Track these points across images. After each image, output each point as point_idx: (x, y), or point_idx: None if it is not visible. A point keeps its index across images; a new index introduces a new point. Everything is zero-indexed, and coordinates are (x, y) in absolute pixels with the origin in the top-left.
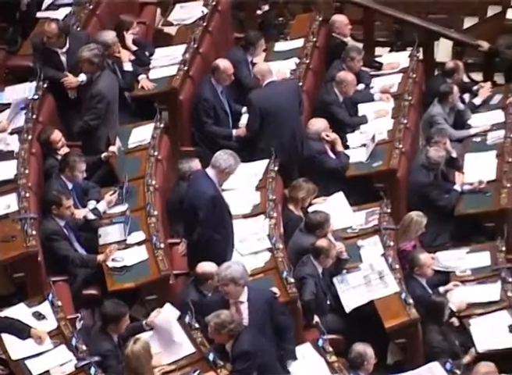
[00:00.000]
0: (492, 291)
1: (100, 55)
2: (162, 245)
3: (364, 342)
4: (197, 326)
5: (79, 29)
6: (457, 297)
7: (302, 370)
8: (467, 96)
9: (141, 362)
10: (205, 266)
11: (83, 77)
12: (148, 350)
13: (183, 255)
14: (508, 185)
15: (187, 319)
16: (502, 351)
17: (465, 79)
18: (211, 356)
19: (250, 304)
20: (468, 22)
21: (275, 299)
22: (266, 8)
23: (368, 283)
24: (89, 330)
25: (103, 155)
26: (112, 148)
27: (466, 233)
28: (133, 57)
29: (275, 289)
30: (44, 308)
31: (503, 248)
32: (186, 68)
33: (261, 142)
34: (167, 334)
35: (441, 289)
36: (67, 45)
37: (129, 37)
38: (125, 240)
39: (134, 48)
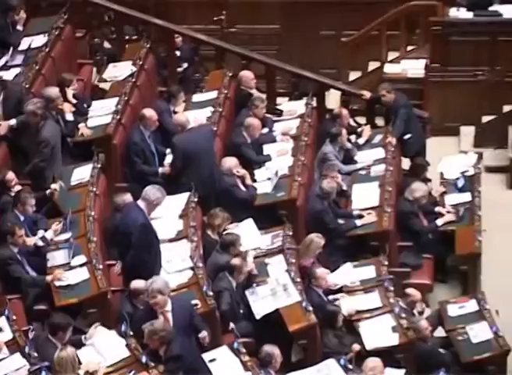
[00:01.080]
0: (376, 299)
1: (42, 108)
2: (101, 266)
3: (272, 344)
4: (131, 333)
5: (27, 86)
6: (348, 304)
7: (220, 369)
8: (353, 137)
9: (66, 368)
10: (137, 283)
11: (13, 122)
12: (74, 358)
13: (119, 274)
14: (389, 210)
15: (123, 328)
16: (386, 349)
17: (352, 122)
18: (143, 359)
19: (175, 312)
20: (353, 75)
21: (193, 307)
22: (185, 65)
23: (274, 294)
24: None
25: (47, 191)
26: (53, 186)
27: (355, 250)
28: (73, 109)
29: (196, 301)
30: (1, 321)
31: (386, 263)
32: (118, 117)
33: (183, 178)
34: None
35: (330, 297)
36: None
37: (70, 92)
38: (69, 263)
39: (74, 101)
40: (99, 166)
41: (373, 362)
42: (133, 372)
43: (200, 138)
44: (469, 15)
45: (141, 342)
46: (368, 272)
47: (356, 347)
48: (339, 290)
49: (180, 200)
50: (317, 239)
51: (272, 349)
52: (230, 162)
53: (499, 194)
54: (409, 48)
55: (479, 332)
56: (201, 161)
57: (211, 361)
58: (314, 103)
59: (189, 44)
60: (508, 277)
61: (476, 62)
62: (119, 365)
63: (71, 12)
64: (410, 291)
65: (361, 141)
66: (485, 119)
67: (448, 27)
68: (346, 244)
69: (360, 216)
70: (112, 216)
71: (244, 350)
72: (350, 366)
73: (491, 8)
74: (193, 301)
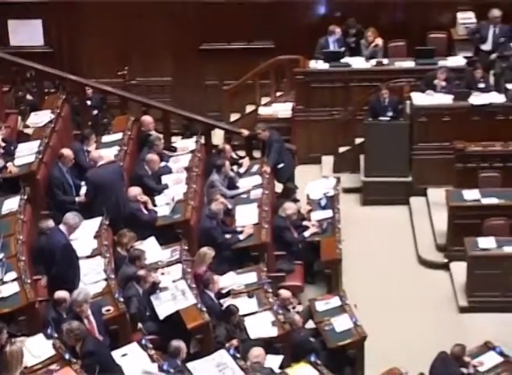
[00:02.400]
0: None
1: None
2: (29, 281)
3: (178, 339)
4: (56, 335)
5: None
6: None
7: (131, 362)
8: (235, 167)
9: (16, 359)
10: (60, 294)
11: None
12: (22, 353)
13: (44, 286)
14: (266, 226)
15: (49, 331)
16: (267, 339)
17: (234, 155)
18: (67, 356)
19: (94, 316)
20: (233, 117)
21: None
22: (95, 112)
23: (174, 298)
24: None
25: None
26: None
27: (239, 260)
28: (2, 150)
29: (109, 307)
30: None
31: (265, 269)
32: (40, 156)
33: (96, 205)
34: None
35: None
36: None
37: None
38: (2, 278)
39: (3, 144)
40: (25, 197)
41: (257, 351)
42: (58, 366)
43: (108, 172)
44: (325, 66)
45: (64, 342)
46: (251, 277)
47: (234, 342)
48: (228, 293)
49: (94, 223)
50: (209, 251)
51: (178, 343)
52: (135, 191)
53: (355, 211)
54: (278, 93)
55: (342, 323)
56: (109, 191)
57: (123, 355)
58: (203, 140)
59: (98, 95)
60: (364, 278)
61: (332, 104)
62: (46, 362)
63: None
64: (281, 291)
65: (242, 170)
66: (341, 149)
67: (309, 76)
68: (232, 255)
69: (247, 231)
70: (37, 239)
71: (151, 345)
72: (238, 355)
73: (343, 60)
74: (107, 307)
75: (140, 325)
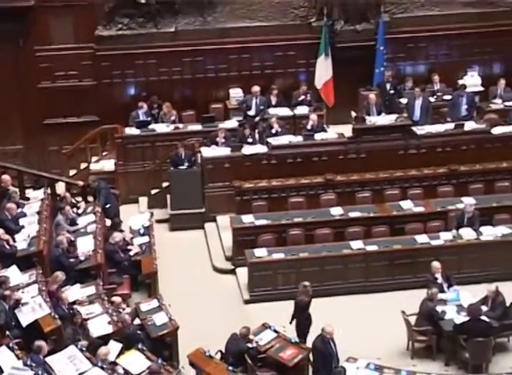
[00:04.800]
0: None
1: None
2: None
3: (39, 339)
4: None
5: None
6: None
7: (2, 361)
8: (75, 209)
9: None
10: None
11: None
12: None
13: None
14: (100, 251)
15: None
16: (105, 335)
17: (73, 201)
18: None
19: None
20: (72, 172)
21: None
22: None
23: (33, 310)
24: None
25: None
26: None
27: (82, 277)
28: None
29: None
30: None
31: (101, 283)
32: None
33: None
34: None
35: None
36: None
37: None
38: None
39: None
40: None
41: (105, 349)
42: None
43: None
44: (137, 131)
45: None
46: (91, 290)
47: (84, 343)
48: (74, 302)
49: None
50: (60, 275)
51: (40, 343)
52: None
53: (165, 236)
54: (104, 153)
55: (160, 318)
56: None
57: None
58: (49, 191)
59: None
60: (174, 284)
61: (144, 159)
62: None
63: None
64: (114, 298)
65: (80, 211)
66: (153, 191)
67: (125, 140)
68: (77, 274)
69: (86, 255)
70: None
71: (16, 347)
72: (84, 348)
73: (150, 127)
74: None
75: (7, 332)
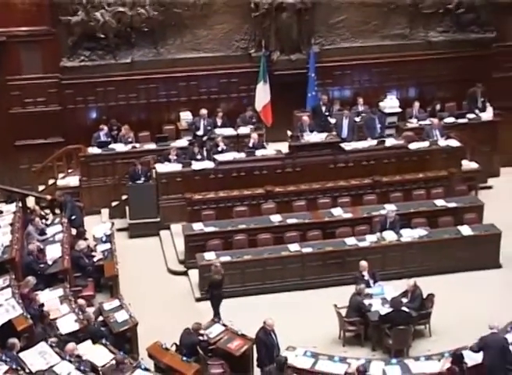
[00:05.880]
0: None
1: None
2: None
3: (12, 337)
4: None
5: None
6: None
7: None
8: (44, 220)
9: None
10: None
11: None
12: None
13: None
14: (67, 257)
15: None
16: (73, 332)
17: (42, 213)
18: None
19: None
20: (41, 187)
21: None
22: None
23: (7, 311)
24: None
25: None
26: None
27: (53, 281)
28: None
29: None
30: None
31: (68, 286)
32: None
33: None
34: None
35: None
36: None
37: None
38: None
39: None
40: None
41: (72, 345)
42: None
43: None
44: (99, 151)
45: None
46: (60, 292)
47: (53, 339)
48: (43, 304)
49: None
50: (31, 279)
51: (14, 340)
52: None
53: (125, 242)
54: (69, 170)
55: (121, 316)
56: None
57: None
58: (20, 204)
59: None
60: (134, 285)
61: (105, 175)
62: None
63: None
64: (79, 300)
65: (48, 222)
66: (114, 203)
67: (88, 158)
68: (46, 278)
69: (55, 261)
70: None
71: None
72: (57, 349)
73: (110, 146)
74: None
75: None
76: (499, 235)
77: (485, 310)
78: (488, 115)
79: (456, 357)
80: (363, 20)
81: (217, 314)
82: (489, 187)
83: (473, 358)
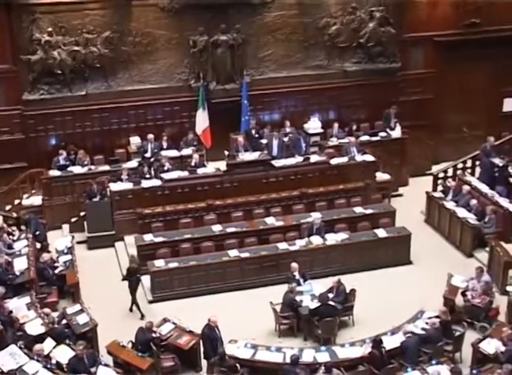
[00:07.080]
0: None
1: None
2: None
3: None
4: None
5: None
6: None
7: None
8: (11, 236)
9: None
10: None
11: None
12: None
13: None
14: (33, 268)
15: None
16: (40, 334)
17: (9, 230)
18: None
19: None
20: (8, 207)
21: None
22: None
23: None
24: None
25: None
26: None
27: (19, 290)
28: None
29: None
30: None
31: (34, 294)
32: None
33: None
34: None
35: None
36: None
37: None
38: None
39: None
40: None
41: (39, 345)
42: None
43: None
44: (58, 173)
45: None
46: (27, 300)
47: (22, 342)
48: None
49: None
50: (1, 289)
51: None
52: None
53: (84, 253)
54: (33, 191)
55: (83, 318)
56: None
57: None
58: None
59: None
60: (96, 290)
61: (65, 194)
62: None
63: None
64: (45, 309)
65: (15, 237)
66: (73, 219)
67: (50, 180)
68: (14, 288)
69: (22, 272)
70: None
71: None
72: (26, 350)
73: (68, 169)
74: None
75: None
76: (410, 236)
77: (399, 301)
78: (397, 133)
79: (376, 342)
80: (287, 54)
81: (134, 299)
82: (400, 195)
83: (390, 343)
